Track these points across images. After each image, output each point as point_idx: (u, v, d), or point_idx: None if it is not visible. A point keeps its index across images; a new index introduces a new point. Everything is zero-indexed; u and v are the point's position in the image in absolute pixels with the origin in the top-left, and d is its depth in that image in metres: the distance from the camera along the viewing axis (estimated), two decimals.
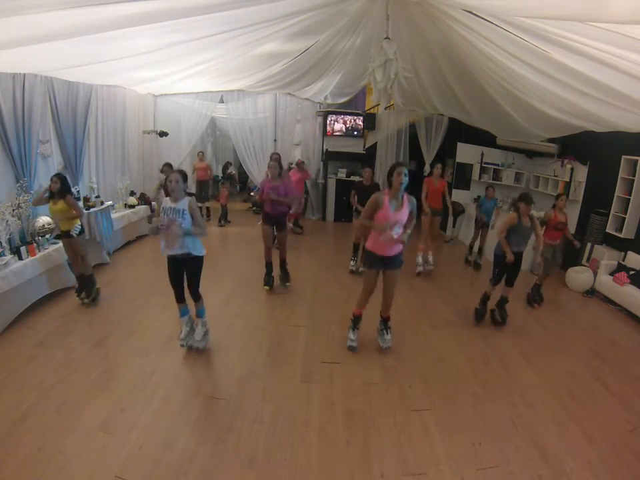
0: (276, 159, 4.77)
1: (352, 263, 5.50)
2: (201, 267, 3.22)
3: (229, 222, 7.94)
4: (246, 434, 2.48)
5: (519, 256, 3.90)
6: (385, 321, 3.58)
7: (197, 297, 3.33)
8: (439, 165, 5.58)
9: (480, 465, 2.33)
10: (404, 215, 3.12)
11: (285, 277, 4.82)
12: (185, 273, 3.20)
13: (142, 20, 2.73)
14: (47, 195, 3.77)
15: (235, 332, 3.75)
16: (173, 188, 2.97)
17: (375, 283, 3.38)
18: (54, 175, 3.80)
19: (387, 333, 3.55)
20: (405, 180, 3.04)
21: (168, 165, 5.69)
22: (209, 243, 6.53)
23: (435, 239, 5.78)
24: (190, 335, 3.35)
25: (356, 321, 3.57)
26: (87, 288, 4.03)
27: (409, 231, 3.20)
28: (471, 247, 6.19)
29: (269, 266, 4.70)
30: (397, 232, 3.08)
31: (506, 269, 3.96)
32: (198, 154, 8.28)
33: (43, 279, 3.97)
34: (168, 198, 3.07)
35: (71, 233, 3.86)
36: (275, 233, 4.70)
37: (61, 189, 3.72)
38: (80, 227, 3.94)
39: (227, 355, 3.37)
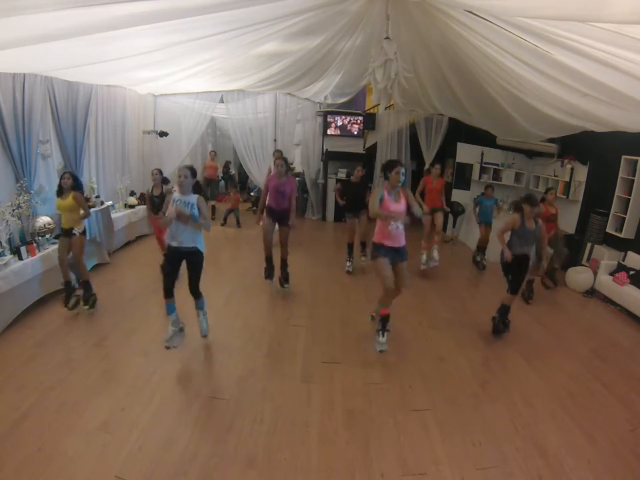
0: (281, 156, 4.74)
1: (348, 264, 5.50)
2: (202, 263, 3.26)
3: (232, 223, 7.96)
4: (246, 434, 2.48)
5: (524, 258, 3.74)
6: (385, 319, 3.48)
7: (197, 295, 3.35)
8: (438, 165, 5.61)
9: (480, 465, 2.33)
10: (403, 206, 3.37)
11: (285, 278, 4.74)
12: (186, 267, 3.23)
13: (142, 20, 2.72)
14: (58, 191, 3.85)
15: (235, 332, 3.75)
16: (181, 182, 3.11)
17: (391, 272, 3.34)
18: (66, 172, 3.91)
19: (383, 335, 3.46)
20: (403, 179, 3.32)
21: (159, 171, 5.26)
22: (210, 243, 6.50)
23: (439, 233, 5.66)
24: (176, 336, 3.29)
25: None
26: (84, 294, 3.94)
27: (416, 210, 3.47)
28: (479, 248, 5.99)
29: (269, 260, 4.66)
30: (400, 225, 3.33)
31: (515, 272, 3.74)
32: (210, 153, 8.75)
33: (43, 279, 3.97)
34: (177, 192, 3.19)
35: (73, 231, 3.84)
36: (278, 229, 4.63)
37: (73, 184, 3.80)
38: (84, 227, 3.94)
39: (227, 355, 3.37)
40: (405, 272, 3.45)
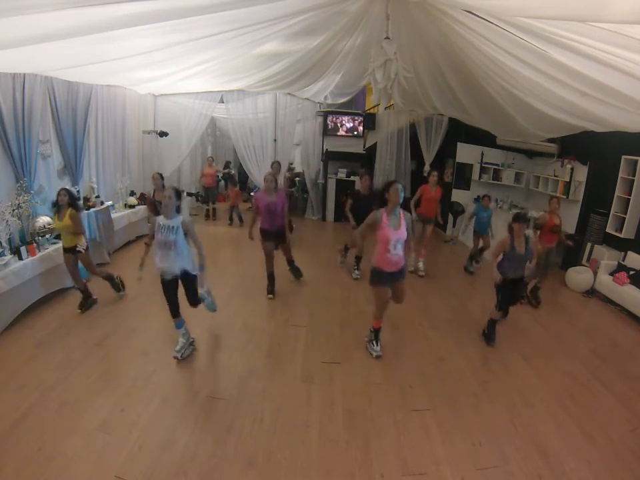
0: (273, 174, 4.60)
1: (341, 259, 5.64)
2: (195, 282, 3.28)
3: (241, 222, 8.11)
4: (246, 434, 2.49)
5: (517, 281, 3.68)
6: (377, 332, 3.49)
7: (197, 303, 3.41)
8: (435, 173, 5.45)
9: (480, 465, 2.34)
10: (403, 232, 3.16)
11: (297, 272, 5.00)
12: (181, 287, 3.25)
13: (142, 20, 2.72)
14: (54, 208, 3.80)
15: (235, 332, 3.76)
16: (166, 204, 3.02)
17: (388, 297, 3.37)
18: (61, 189, 3.84)
19: (377, 344, 3.47)
20: (402, 196, 3.12)
21: (160, 175, 5.26)
22: (210, 243, 6.53)
23: (428, 246, 5.67)
24: (187, 348, 3.30)
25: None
26: (111, 284, 4.27)
27: (413, 255, 3.57)
28: (471, 257, 5.92)
29: (271, 277, 4.61)
30: (399, 249, 3.16)
31: (505, 294, 3.70)
32: (208, 159, 8.67)
33: (43, 279, 3.97)
34: (162, 215, 3.11)
35: (77, 248, 3.84)
36: (279, 246, 4.63)
37: (69, 201, 3.76)
38: (86, 243, 3.94)
39: (227, 355, 3.38)
40: (403, 289, 3.47)
